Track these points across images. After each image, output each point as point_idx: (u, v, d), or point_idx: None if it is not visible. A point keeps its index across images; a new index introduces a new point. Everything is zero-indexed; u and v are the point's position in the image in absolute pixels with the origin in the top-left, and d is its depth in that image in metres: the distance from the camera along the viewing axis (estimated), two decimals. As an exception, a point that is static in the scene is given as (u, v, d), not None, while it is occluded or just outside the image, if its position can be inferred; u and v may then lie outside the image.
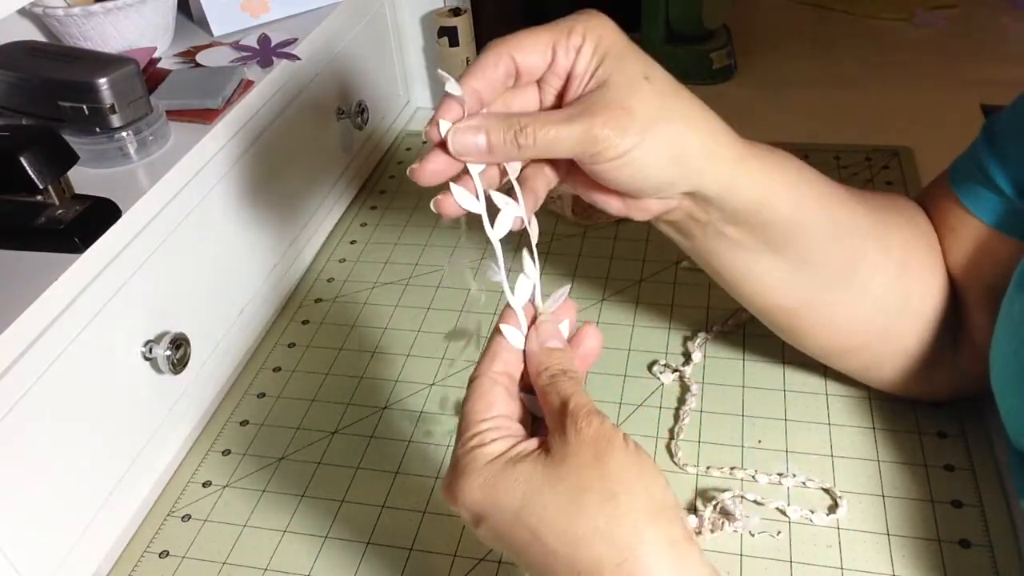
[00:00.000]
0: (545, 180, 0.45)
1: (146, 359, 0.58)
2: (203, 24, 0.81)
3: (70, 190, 0.55)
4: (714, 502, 0.54)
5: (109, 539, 0.56)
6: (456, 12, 0.94)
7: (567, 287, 0.43)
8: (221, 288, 0.67)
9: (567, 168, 0.45)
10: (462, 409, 0.40)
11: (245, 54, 0.74)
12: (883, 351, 0.55)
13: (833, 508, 0.53)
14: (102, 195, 0.56)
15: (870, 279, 0.51)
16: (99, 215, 0.54)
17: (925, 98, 0.94)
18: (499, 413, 0.39)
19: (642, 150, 0.42)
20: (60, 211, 0.53)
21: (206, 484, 0.60)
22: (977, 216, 0.51)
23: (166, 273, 0.60)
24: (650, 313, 0.70)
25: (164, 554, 0.56)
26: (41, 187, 0.52)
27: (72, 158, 0.54)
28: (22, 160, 0.50)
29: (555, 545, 0.35)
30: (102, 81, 0.57)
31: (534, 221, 0.43)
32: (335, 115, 0.84)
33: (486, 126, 0.41)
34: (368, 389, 0.66)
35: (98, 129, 0.59)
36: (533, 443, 0.38)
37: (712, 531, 0.53)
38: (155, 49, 0.75)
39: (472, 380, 0.40)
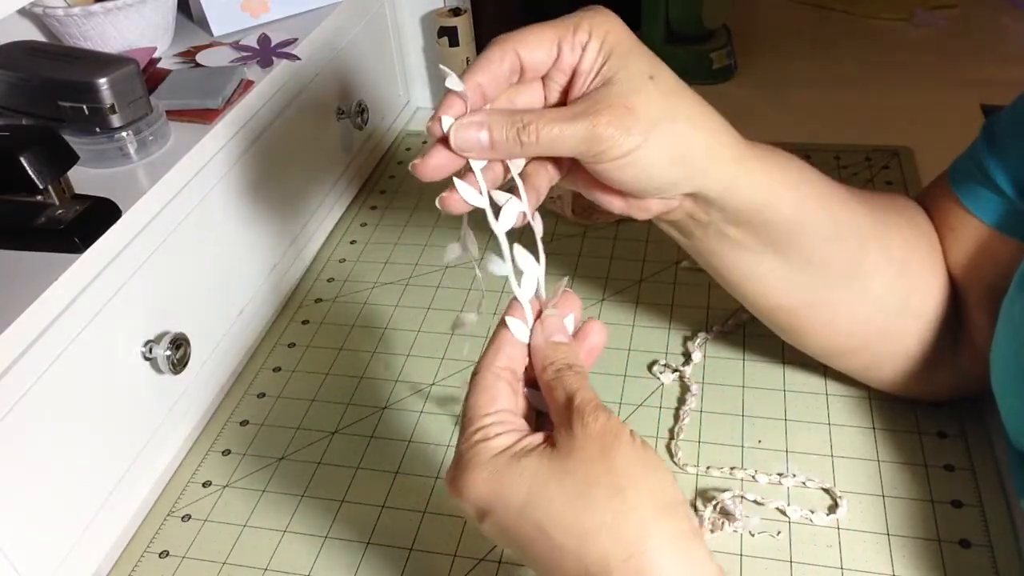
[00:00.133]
0: (547, 177, 0.45)
1: (146, 359, 0.58)
2: (203, 24, 0.81)
3: (70, 190, 0.55)
4: (714, 502, 0.54)
5: (109, 539, 0.56)
6: (456, 12, 0.94)
7: (566, 279, 0.43)
8: (221, 288, 0.67)
9: (569, 166, 0.45)
10: (465, 403, 0.39)
11: (245, 54, 0.74)
12: (883, 351, 0.55)
13: (833, 508, 0.53)
14: (102, 195, 0.56)
15: (871, 279, 0.51)
16: (99, 215, 0.54)
17: (925, 98, 0.94)
18: (503, 408, 0.39)
19: (645, 150, 0.42)
20: (60, 211, 0.53)
21: (206, 484, 0.60)
22: (977, 216, 0.51)
23: (166, 273, 0.60)
24: (650, 313, 0.70)
25: (164, 554, 0.56)
26: (41, 187, 0.52)
27: (72, 158, 0.54)
28: (22, 160, 0.50)
29: (561, 540, 0.35)
30: (102, 81, 0.57)
31: (537, 216, 0.43)
32: (335, 115, 0.84)
33: (488, 122, 0.41)
34: (368, 389, 0.66)
35: (98, 129, 0.59)
36: (538, 438, 0.38)
37: (712, 531, 0.53)
38: (155, 49, 0.75)
39: (475, 374, 0.40)
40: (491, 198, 0.42)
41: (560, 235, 0.78)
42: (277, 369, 0.69)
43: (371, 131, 0.92)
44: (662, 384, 0.64)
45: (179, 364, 0.59)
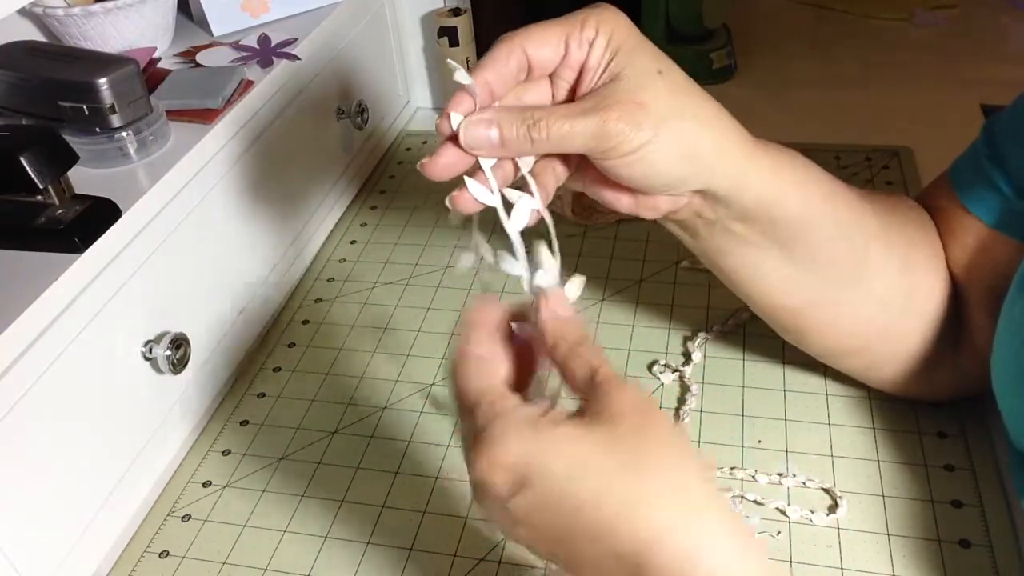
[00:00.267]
0: (555, 176, 0.45)
1: (146, 359, 0.58)
2: (203, 24, 0.81)
3: (70, 190, 0.55)
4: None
5: (109, 539, 0.56)
6: (456, 12, 0.94)
7: (582, 278, 0.43)
8: (221, 288, 0.67)
9: (577, 164, 0.45)
10: (460, 386, 0.37)
11: (245, 54, 0.74)
12: (885, 351, 0.54)
13: (833, 508, 0.53)
14: (102, 195, 0.56)
15: (874, 279, 0.51)
16: (99, 215, 0.54)
17: (925, 98, 0.94)
18: (503, 382, 0.38)
19: (655, 145, 0.41)
20: (60, 211, 0.53)
21: (206, 484, 0.60)
22: (977, 217, 0.51)
23: (166, 273, 0.60)
24: (650, 313, 0.70)
25: (164, 554, 0.56)
26: (41, 187, 0.52)
27: (72, 158, 0.54)
28: (22, 160, 0.50)
29: (616, 508, 0.33)
30: (102, 81, 0.57)
31: (547, 214, 0.43)
32: (335, 115, 0.84)
33: (498, 119, 0.41)
34: (368, 389, 0.66)
35: (98, 129, 0.59)
36: (563, 410, 0.36)
37: (712, 531, 0.53)
38: (155, 49, 0.75)
39: (459, 357, 0.38)
40: (502, 196, 0.41)
41: (560, 235, 0.78)
42: (277, 369, 0.69)
43: (371, 131, 0.92)
44: (662, 384, 0.64)
45: (179, 364, 0.59)
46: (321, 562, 0.54)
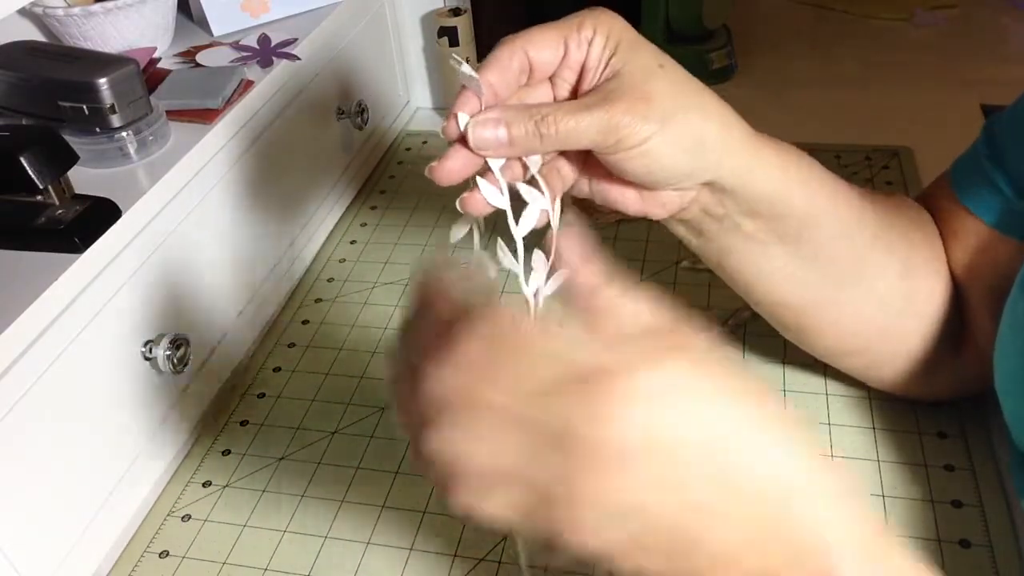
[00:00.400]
0: (561, 181, 0.45)
1: (146, 359, 0.58)
2: (203, 24, 0.81)
3: (70, 190, 0.55)
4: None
5: (109, 539, 0.56)
6: (456, 12, 0.94)
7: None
8: (221, 288, 0.67)
9: (582, 166, 0.45)
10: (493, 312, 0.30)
11: (245, 54, 0.74)
12: (886, 351, 0.54)
13: (833, 508, 0.53)
14: (102, 195, 0.56)
15: (876, 278, 0.51)
16: (99, 215, 0.54)
17: (925, 98, 0.94)
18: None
19: (661, 138, 0.42)
20: (60, 211, 0.53)
21: (206, 484, 0.60)
22: (978, 217, 0.51)
23: (166, 273, 0.60)
24: (650, 313, 0.70)
25: (164, 554, 0.56)
26: (41, 187, 0.52)
27: (72, 158, 0.54)
28: (22, 160, 0.50)
29: (755, 454, 0.28)
30: (102, 81, 0.57)
31: (557, 210, 0.43)
32: (335, 115, 0.84)
33: (506, 118, 0.40)
34: (368, 389, 0.66)
35: (98, 129, 0.59)
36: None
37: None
38: (155, 49, 0.75)
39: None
40: (512, 195, 0.41)
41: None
42: (277, 369, 0.69)
43: (371, 131, 0.92)
44: (662, 384, 0.63)
45: (179, 364, 0.59)
46: (321, 562, 0.54)
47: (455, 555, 0.54)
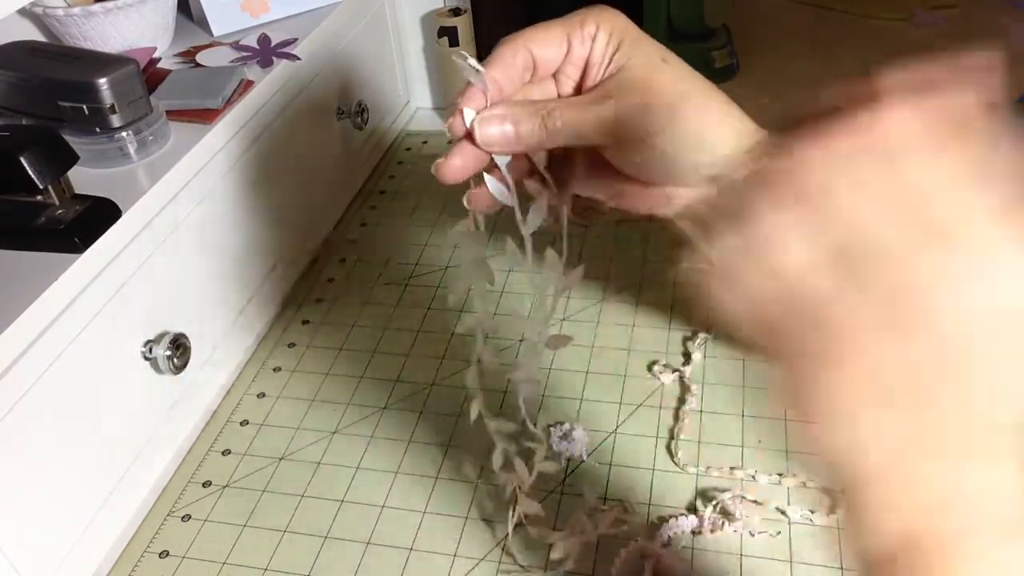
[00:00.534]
0: (566, 177, 0.45)
1: (146, 359, 0.58)
2: (203, 24, 0.81)
3: (70, 190, 0.55)
4: (714, 502, 0.54)
5: (109, 539, 0.56)
6: (456, 12, 0.94)
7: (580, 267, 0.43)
8: (221, 288, 0.67)
9: (587, 165, 0.45)
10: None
11: (245, 54, 0.74)
12: None
13: (833, 508, 0.53)
14: (102, 195, 0.56)
15: None
16: (99, 215, 0.54)
17: (925, 98, 0.94)
18: None
19: (668, 131, 0.42)
20: (60, 211, 0.53)
21: (206, 484, 0.60)
22: None
23: (166, 273, 0.60)
24: (650, 313, 0.70)
25: (164, 554, 0.56)
26: (41, 187, 0.52)
27: (72, 158, 0.54)
28: (22, 160, 0.50)
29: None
30: (102, 81, 0.57)
31: (564, 210, 0.43)
32: (335, 115, 0.84)
33: (512, 114, 0.40)
34: (368, 389, 0.66)
35: (98, 129, 0.59)
36: None
37: (712, 531, 0.53)
38: (155, 49, 0.75)
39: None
40: (519, 192, 0.41)
41: (560, 235, 0.78)
42: (277, 369, 0.69)
43: (371, 131, 0.92)
44: (662, 384, 0.64)
45: (179, 364, 0.59)
46: (321, 562, 0.54)
47: (455, 555, 0.54)
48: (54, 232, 0.52)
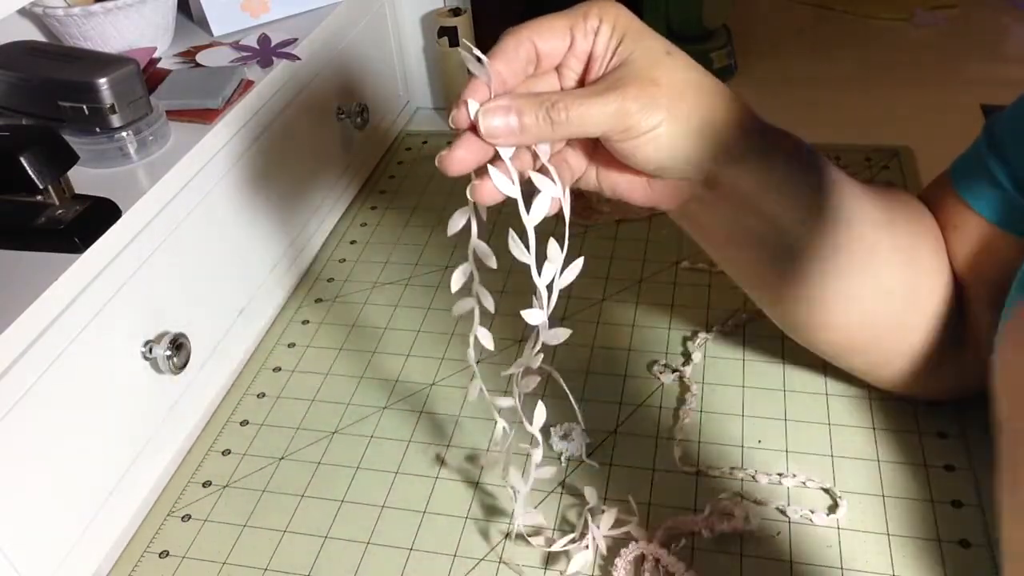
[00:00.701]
0: (569, 172, 0.45)
1: (146, 359, 0.58)
2: (203, 24, 0.81)
3: (70, 190, 0.55)
4: (714, 502, 0.54)
5: (109, 539, 0.56)
6: (456, 12, 0.94)
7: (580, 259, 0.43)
8: (221, 288, 0.67)
9: (590, 155, 0.45)
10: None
11: (245, 54, 0.74)
12: (891, 348, 0.54)
13: (833, 508, 0.53)
14: (102, 195, 0.56)
15: (881, 269, 0.51)
16: (99, 215, 0.54)
17: (925, 98, 0.94)
18: None
19: (671, 123, 0.42)
20: (60, 211, 0.53)
21: (206, 484, 0.60)
22: (979, 213, 0.51)
23: (166, 273, 0.60)
24: (650, 313, 0.70)
25: (164, 554, 0.56)
26: (41, 187, 0.52)
27: (72, 158, 0.54)
28: (22, 160, 0.50)
29: None
30: (102, 81, 0.57)
31: (567, 203, 0.43)
32: (335, 115, 0.84)
33: (516, 105, 0.40)
34: (368, 389, 0.66)
35: (98, 129, 0.59)
36: None
37: (712, 531, 0.53)
38: (155, 49, 0.75)
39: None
40: (523, 186, 0.41)
41: (560, 235, 0.78)
42: (277, 369, 0.69)
43: (371, 131, 0.92)
44: (662, 384, 0.64)
45: (179, 364, 0.59)
46: (321, 562, 0.54)
47: (455, 555, 0.54)
48: (54, 232, 0.52)
